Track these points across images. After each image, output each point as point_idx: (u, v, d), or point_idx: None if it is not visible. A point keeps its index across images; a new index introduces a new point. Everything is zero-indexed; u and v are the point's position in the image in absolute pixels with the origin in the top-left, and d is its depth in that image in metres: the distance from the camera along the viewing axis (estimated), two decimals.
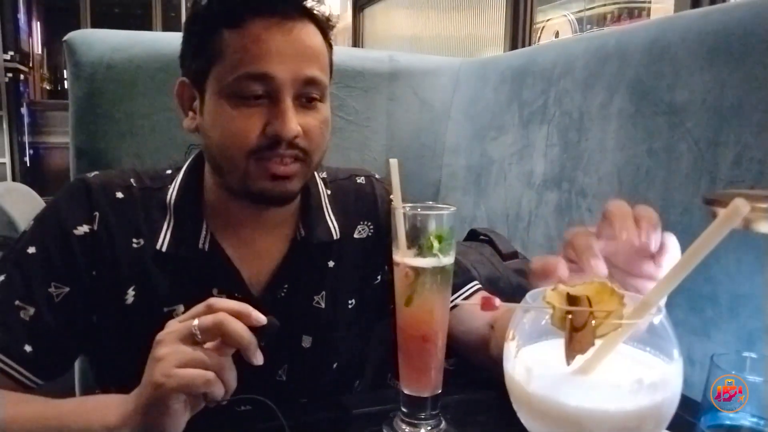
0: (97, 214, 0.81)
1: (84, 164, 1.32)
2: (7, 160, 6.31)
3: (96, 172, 0.86)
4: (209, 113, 0.79)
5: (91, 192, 0.82)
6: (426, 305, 0.71)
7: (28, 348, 0.75)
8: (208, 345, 0.63)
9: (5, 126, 6.26)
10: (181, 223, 0.83)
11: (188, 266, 0.82)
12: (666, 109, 1.04)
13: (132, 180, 0.86)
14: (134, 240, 0.82)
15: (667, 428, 0.69)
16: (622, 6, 4.41)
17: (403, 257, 0.71)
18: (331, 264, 0.91)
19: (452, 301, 0.90)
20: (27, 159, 6.67)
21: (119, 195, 0.83)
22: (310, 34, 0.79)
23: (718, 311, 0.93)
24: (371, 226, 0.96)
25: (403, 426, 0.74)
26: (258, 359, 0.63)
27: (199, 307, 0.64)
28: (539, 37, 4.38)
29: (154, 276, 0.82)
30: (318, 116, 0.80)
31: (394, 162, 0.74)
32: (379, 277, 0.96)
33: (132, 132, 1.32)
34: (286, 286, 0.87)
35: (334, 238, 0.90)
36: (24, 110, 6.69)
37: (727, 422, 0.64)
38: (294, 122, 0.76)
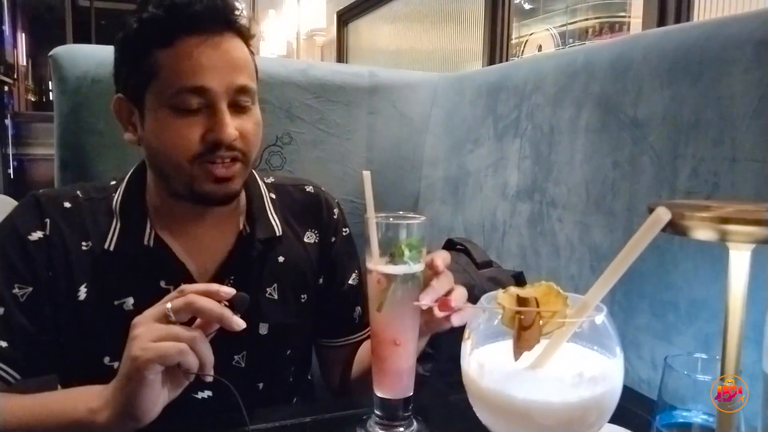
0: (48, 220, 0.87)
1: (68, 176, 1.34)
2: None
3: (44, 189, 0.93)
4: (151, 125, 0.85)
5: (40, 203, 0.89)
6: (397, 311, 0.74)
7: (3, 344, 0.80)
8: (194, 326, 0.69)
9: None
10: (126, 224, 0.89)
11: (135, 262, 0.88)
12: (629, 123, 1.09)
13: (78, 192, 0.92)
14: (83, 243, 0.88)
15: (626, 426, 0.73)
16: (603, 20, 4.50)
17: (376, 265, 0.74)
18: (281, 259, 0.97)
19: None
20: (11, 171, 6.63)
21: (67, 204, 0.90)
22: (237, 46, 0.85)
23: (678, 316, 0.97)
24: (317, 234, 1.03)
25: (377, 428, 0.76)
26: (238, 324, 0.69)
27: (172, 294, 0.70)
28: (522, 51, 4.46)
29: (103, 273, 0.87)
30: (251, 119, 0.87)
31: (367, 174, 0.78)
32: (321, 280, 1.03)
33: (116, 144, 1.34)
34: (232, 277, 0.92)
35: (277, 234, 0.96)
36: (8, 122, 6.65)
37: (681, 420, 0.68)
38: (231, 128, 0.82)
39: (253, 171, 1.00)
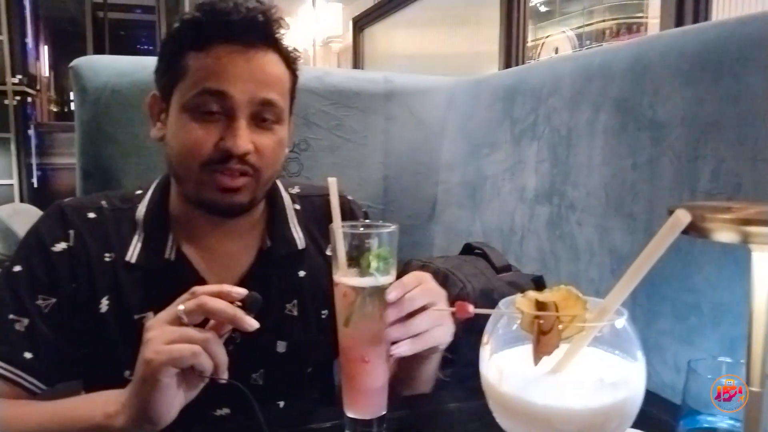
0: (71, 231, 0.87)
1: (90, 185, 1.36)
2: (14, 181, 6.38)
3: (70, 198, 0.94)
4: (172, 124, 0.86)
5: (65, 213, 0.89)
6: (365, 326, 0.70)
7: (28, 355, 0.81)
8: (207, 327, 0.69)
9: (13, 148, 6.34)
10: (149, 236, 0.89)
11: (156, 276, 0.87)
12: (648, 124, 1.08)
13: (103, 202, 0.92)
14: (106, 254, 0.88)
15: (649, 431, 0.73)
16: (620, 21, 4.47)
17: (341, 277, 0.70)
18: (302, 274, 0.96)
19: None
20: (34, 180, 6.74)
21: (91, 215, 0.90)
22: (270, 62, 0.85)
23: (701, 319, 0.96)
24: None
25: None
26: (251, 324, 0.68)
27: (184, 296, 0.70)
28: (539, 54, 4.44)
29: (125, 286, 0.87)
30: (272, 137, 0.86)
31: (332, 180, 0.75)
32: None
33: (136, 153, 1.36)
34: (253, 293, 0.91)
35: (299, 248, 0.95)
36: (31, 132, 6.77)
37: (706, 425, 0.66)
38: (245, 140, 0.82)
39: (278, 182, 0.99)
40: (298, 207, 1.00)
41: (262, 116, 0.85)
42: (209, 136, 0.82)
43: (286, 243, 0.94)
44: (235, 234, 0.92)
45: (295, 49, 0.90)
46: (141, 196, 0.94)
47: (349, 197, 1.06)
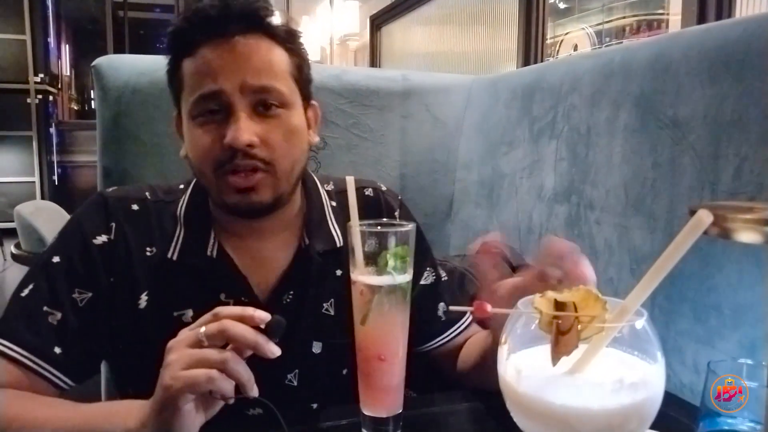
0: (113, 224, 0.86)
1: (111, 183, 1.37)
2: (36, 179, 6.49)
3: (114, 187, 0.92)
4: (185, 136, 0.85)
5: (107, 205, 0.88)
6: (381, 324, 0.71)
7: (57, 350, 0.80)
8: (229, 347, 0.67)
9: (34, 146, 6.45)
10: (190, 233, 0.88)
11: (197, 273, 0.86)
12: (669, 123, 1.07)
13: (147, 193, 0.91)
14: (147, 248, 0.87)
15: None
16: (641, 18, 4.41)
17: (359, 275, 0.70)
18: (338, 272, 0.93)
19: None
20: (55, 178, 6.83)
21: (134, 207, 0.89)
22: (260, 47, 0.82)
23: (721, 321, 0.95)
24: None
25: None
26: (272, 351, 0.66)
27: (207, 316, 0.68)
28: (558, 51, 4.40)
29: (165, 282, 0.86)
30: (280, 124, 0.82)
31: (350, 179, 0.75)
32: None
33: (157, 151, 1.37)
34: (291, 292, 0.90)
35: (337, 245, 0.93)
36: (52, 130, 6.87)
37: (726, 427, 0.66)
38: (245, 131, 0.78)
39: (315, 179, 0.97)
40: (334, 203, 0.97)
41: (264, 103, 0.81)
42: (215, 137, 0.80)
43: (324, 241, 0.92)
44: (274, 232, 0.91)
45: (289, 27, 0.86)
46: (183, 191, 0.92)
47: (383, 188, 1.03)
